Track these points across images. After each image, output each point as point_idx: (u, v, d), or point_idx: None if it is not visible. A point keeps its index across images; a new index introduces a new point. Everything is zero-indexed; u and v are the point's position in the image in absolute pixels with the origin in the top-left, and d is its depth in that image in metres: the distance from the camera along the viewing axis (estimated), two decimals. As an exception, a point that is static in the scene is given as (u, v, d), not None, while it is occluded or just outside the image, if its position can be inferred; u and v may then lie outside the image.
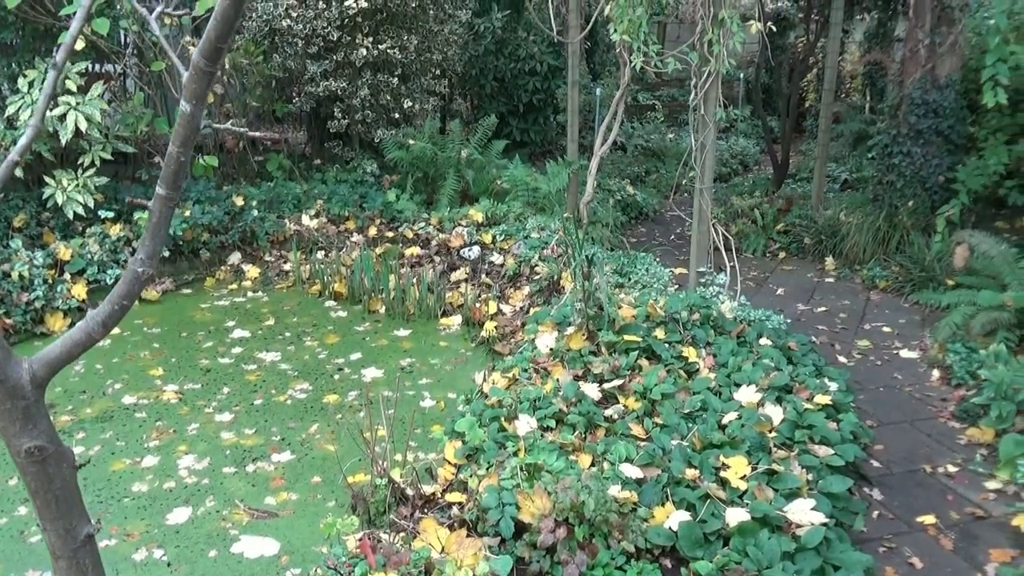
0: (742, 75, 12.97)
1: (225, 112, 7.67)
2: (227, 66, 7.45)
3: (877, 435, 3.61)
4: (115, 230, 5.86)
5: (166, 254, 6.05)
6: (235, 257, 6.44)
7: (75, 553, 1.35)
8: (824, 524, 2.57)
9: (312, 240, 6.67)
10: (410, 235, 6.69)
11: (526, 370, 3.91)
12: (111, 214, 5.95)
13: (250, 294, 5.99)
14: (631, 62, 4.82)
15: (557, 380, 3.67)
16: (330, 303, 5.80)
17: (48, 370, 1.08)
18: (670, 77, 5.13)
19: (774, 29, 6.23)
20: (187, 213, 6.21)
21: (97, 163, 5.76)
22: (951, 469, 3.32)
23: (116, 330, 5.20)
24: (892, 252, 5.97)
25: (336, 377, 4.53)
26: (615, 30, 4.65)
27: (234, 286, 6.14)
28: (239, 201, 6.64)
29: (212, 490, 3.40)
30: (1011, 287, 4.42)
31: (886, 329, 4.95)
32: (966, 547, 2.82)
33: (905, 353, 4.55)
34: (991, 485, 3.18)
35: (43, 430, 1.08)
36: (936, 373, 4.22)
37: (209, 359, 4.77)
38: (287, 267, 6.35)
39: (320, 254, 6.41)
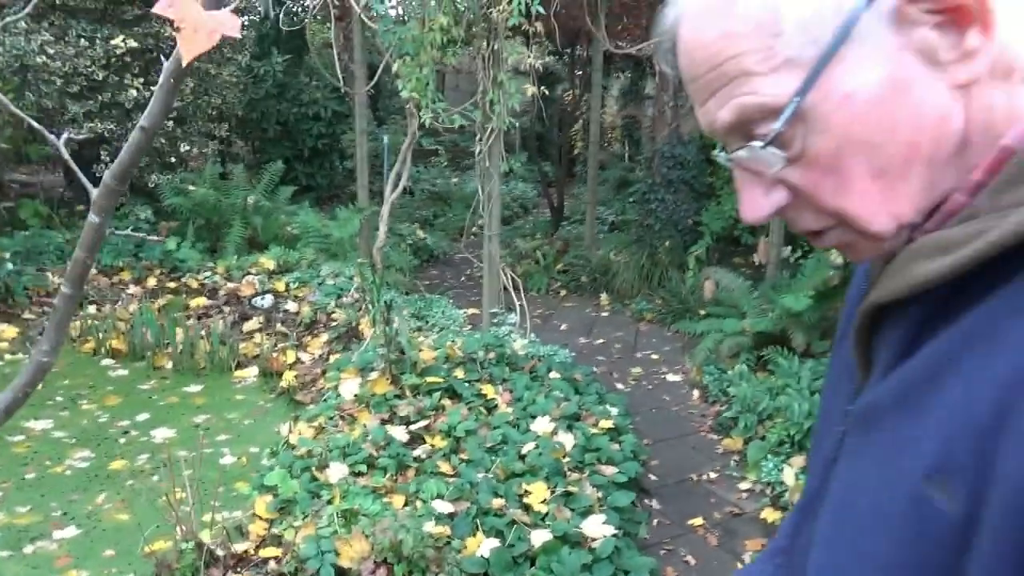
0: (518, 124, 13.86)
1: (-33, 154, 6.87)
2: (-30, 104, 6.71)
3: (653, 451, 4.09)
4: None
5: None
6: (-14, 316, 5.76)
7: None
8: (614, 535, 2.91)
9: (82, 294, 6.14)
10: (195, 285, 6.40)
11: (332, 417, 3.95)
12: None
13: (8, 356, 5.39)
14: (420, 117, 5.08)
15: (364, 425, 3.75)
16: (107, 361, 5.39)
17: None
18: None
19: (547, 93, 6.86)
20: (-76, 269, 5.48)
21: None
22: (712, 475, 3.86)
23: None
24: (655, 287, 6.75)
25: (122, 441, 4.24)
26: (403, 87, 4.89)
27: (-14, 349, 5.49)
28: (-11, 253, 5.97)
29: (-18, 580, 3.06)
30: (748, 315, 5.22)
31: (654, 356, 5.59)
32: (728, 541, 3.31)
33: (671, 377, 5.19)
34: (743, 486, 3.75)
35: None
36: (696, 393, 4.86)
37: (-38, 433, 4.24)
38: (52, 324, 5.79)
39: (92, 308, 5.93)
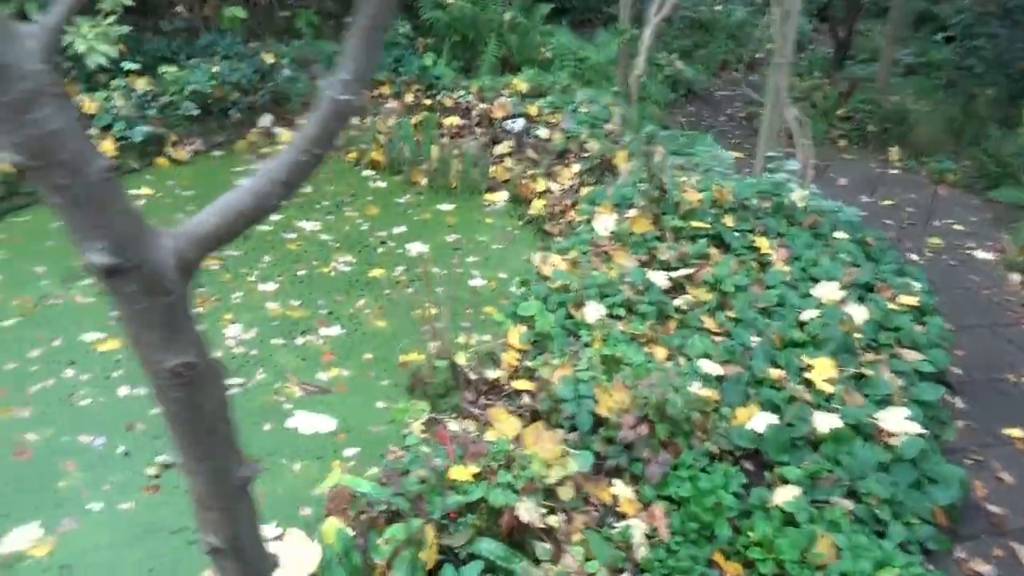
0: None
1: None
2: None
3: (956, 339, 3.42)
4: (141, 84, 5.53)
5: (195, 112, 5.72)
6: (266, 119, 6.11)
7: (228, 501, 0.98)
8: (919, 435, 2.43)
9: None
10: (449, 103, 6.31)
11: (586, 253, 3.70)
12: (136, 66, 5.59)
13: (283, 159, 5.71)
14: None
15: (622, 265, 3.46)
16: (367, 172, 5.54)
17: (200, 251, 0.73)
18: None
19: None
20: (215, 69, 5.84)
21: (118, 10, 5.34)
22: (1037, 379, 3.16)
23: (147, 190, 4.99)
24: (966, 144, 5.60)
25: (380, 250, 4.34)
26: None
27: (266, 150, 5.85)
28: (269, 59, 6.24)
29: (262, 362, 3.28)
30: (1106, 188, 4.12)
31: (958, 227, 4.68)
32: (1056, 462, 2.69)
33: (980, 254, 4.31)
34: (1081, 398, 3.03)
35: (192, 339, 0.73)
36: (1016, 277, 4.00)
37: (246, 226, 4.56)
38: (320, 132, 6.02)
39: (355, 119, 6.07)
